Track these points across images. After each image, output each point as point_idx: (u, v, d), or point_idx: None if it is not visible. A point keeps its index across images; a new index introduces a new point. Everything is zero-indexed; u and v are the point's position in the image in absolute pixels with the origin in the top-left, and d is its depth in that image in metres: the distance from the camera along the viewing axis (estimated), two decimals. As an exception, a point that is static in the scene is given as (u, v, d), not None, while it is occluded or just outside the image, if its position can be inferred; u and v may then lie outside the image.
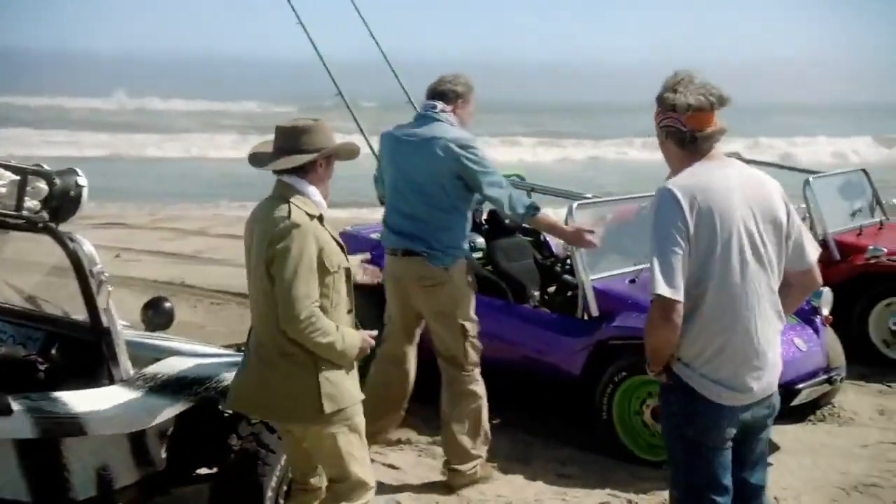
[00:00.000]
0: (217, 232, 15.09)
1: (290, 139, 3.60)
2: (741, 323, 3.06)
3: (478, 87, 5.29)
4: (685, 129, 3.07)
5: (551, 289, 6.61)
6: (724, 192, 3.04)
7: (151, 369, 3.82)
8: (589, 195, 6.41)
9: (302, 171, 3.58)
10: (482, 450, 5.12)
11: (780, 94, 69.86)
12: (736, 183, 3.09)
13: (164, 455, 3.94)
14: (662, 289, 2.96)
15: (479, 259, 6.91)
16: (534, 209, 5.12)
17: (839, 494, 5.20)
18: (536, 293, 6.54)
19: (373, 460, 4.25)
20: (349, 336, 3.56)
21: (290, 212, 3.45)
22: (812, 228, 7.62)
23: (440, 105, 5.13)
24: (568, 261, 6.24)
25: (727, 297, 3.04)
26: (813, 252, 3.24)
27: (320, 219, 3.56)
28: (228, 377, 3.76)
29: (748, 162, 9.38)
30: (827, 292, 6.04)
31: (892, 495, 5.20)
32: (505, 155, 28.85)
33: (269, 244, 3.45)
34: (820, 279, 3.36)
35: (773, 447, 5.81)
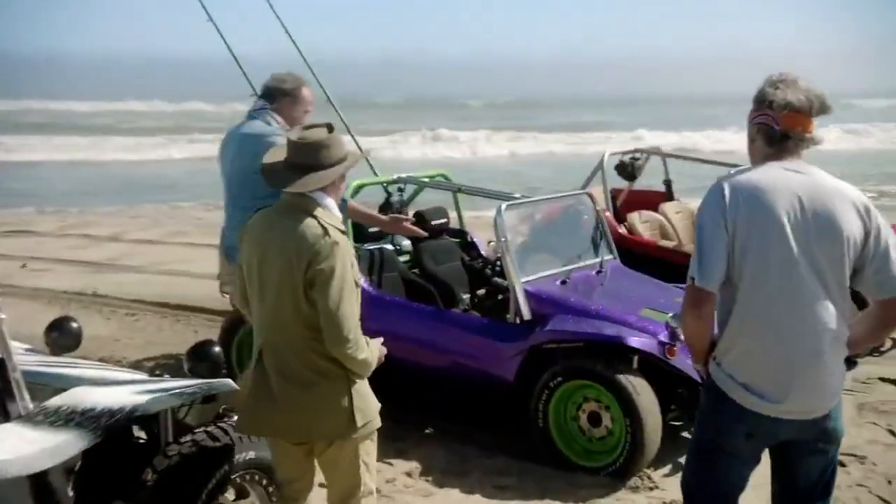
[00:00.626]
0: (132, 237, 14.33)
1: (308, 154, 3.41)
2: (775, 331, 2.91)
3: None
4: (778, 127, 2.93)
5: (481, 291, 6.29)
6: (777, 194, 2.89)
7: (54, 402, 3.37)
8: (517, 195, 6.14)
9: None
10: None
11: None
12: (796, 189, 2.90)
13: (70, 493, 3.55)
14: (694, 274, 2.92)
15: (405, 262, 6.64)
16: (344, 201, 4.72)
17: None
18: (466, 296, 6.27)
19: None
20: (374, 348, 3.50)
21: (325, 229, 3.31)
22: None
23: (260, 103, 5.09)
24: (498, 263, 5.96)
25: (760, 301, 2.91)
26: None
27: (343, 233, 3.43)
28: (141, 405, 3.38)
29: (668, 156, 9.47)
30: None
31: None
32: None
33: (310, 264, 3.26)
34: None
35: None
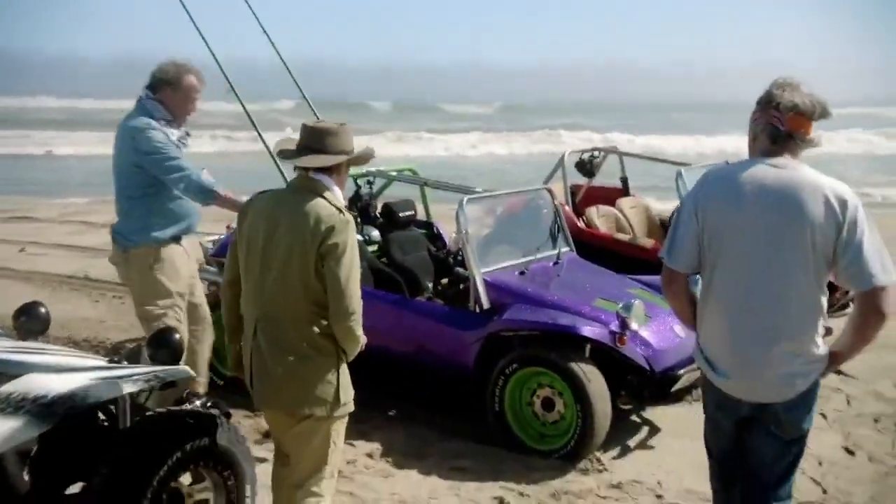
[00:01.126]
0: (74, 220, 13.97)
1: (317, 139, 3.39)
2: (728, 313, 2.91)
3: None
4: (783, 127, 2.85)
5: (445, 280, 6.04)
6: (747, 188, 2.85)
7: (5, 389, 3.08)
8: (479, 189, 5.88)
9: (328, 170, 3.38)
10: None
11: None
12: (770, 182, 2.83)
13: (26, 477, 3.28)
14: (664, 255, 3.04)
15: (373, 252, 6.37)
16: (210, 191, 4.66)
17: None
18: (430, 284, 6.03)
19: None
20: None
21: (339, 209, 3.29)
22: None
23: (144, 93, 4.72)
24: (460, 253, 5.70)
25: (721, 285, 2.92)
26: (874, 275, 2.74)
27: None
28: (94, 393, 3.10)
29: (623, 154, 9.24)
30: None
31: None
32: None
33: (324, 239, 3.20)
34: (884, 307, 2.77)
35: (655, 430, 5.41)
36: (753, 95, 3.00)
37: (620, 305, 4.91)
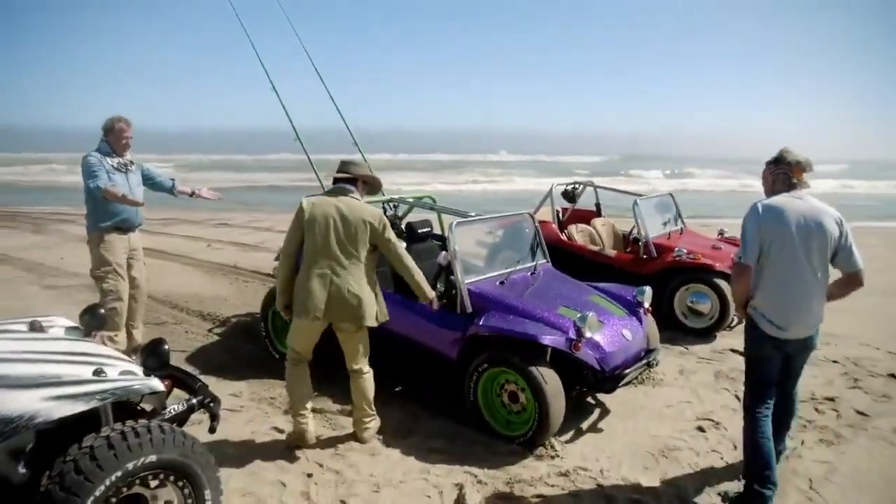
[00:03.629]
0: (279, 229, 12.56)
1: (345, 165, 3.58)
2: (783, 289, 2.93)
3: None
4: (791, 176, 3.02)
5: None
6: (787, 209, 2.93)
7: None
8: (473, 214, 4.62)
9: (353, 182, 3.55)
10: None
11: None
12: (798, 206, 2.94)
13: (22, 471, 2.25)
14: (740, 255, 2.95)
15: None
16: (99, 188, 4.34)
17: (649, 460, 3.56)
18: (442, 287, 4.80)
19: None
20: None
21: (376, 209, 3.50)
22: (639, 234, 6.40)
23: (101, 136, 4.58)
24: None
25: (775, 272, 2.93)
26: (856, 262, 2.95)
27: None
28: (43, 412, 2.08)
29: (597, 187, 7.85)
30: (648, 290, 4.39)
31: (687, 457, 3.59)
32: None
33: (374, 227, 3.42)
34: (862, 280, 2.98)
35: (605, 412, 4.10)
36: None
37: (578, 316, 3.65)
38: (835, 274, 2.99)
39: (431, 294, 3.59)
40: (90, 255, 4.57)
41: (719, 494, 3.16)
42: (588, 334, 3.63)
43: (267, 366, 4.73)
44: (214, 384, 4.43)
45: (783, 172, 3.00)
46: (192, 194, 4.95)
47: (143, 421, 2.30)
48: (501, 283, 4.20)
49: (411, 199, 5.18)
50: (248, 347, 5.17)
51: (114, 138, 4.55)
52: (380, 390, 4.27)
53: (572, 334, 3.62)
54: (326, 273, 3.32)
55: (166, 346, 2.70)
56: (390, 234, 3.42)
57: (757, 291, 2.97)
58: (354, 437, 3.63)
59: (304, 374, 3.55)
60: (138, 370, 2.64)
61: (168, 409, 2.72)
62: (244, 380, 4.50)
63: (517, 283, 4.26)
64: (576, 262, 6.56)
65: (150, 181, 4.85)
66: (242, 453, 3.44)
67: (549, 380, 3.46)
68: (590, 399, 4.23)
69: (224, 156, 40.79)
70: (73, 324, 3.17)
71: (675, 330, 5.76)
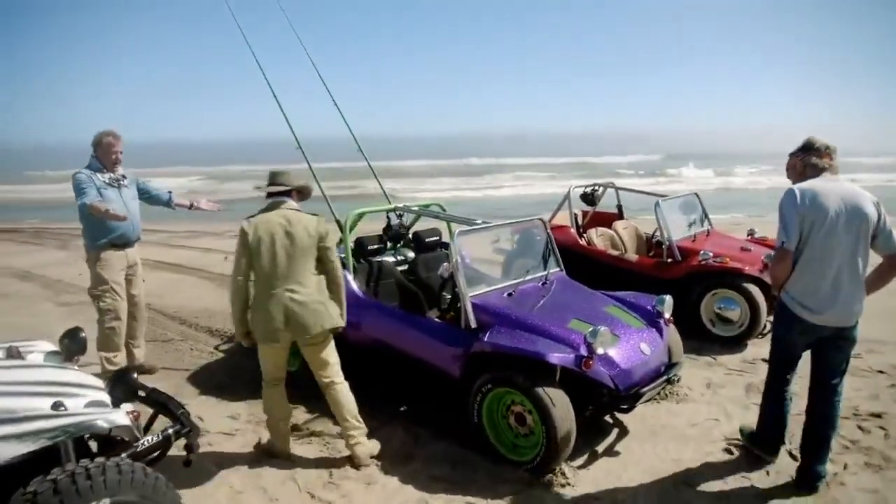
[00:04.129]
0: None
1: (276, 177, 3.49)
2: (820, 273, 2.88)
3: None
4: (820, 161, 2.99)
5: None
6: (825, 192, 2.87)
7: None
8: (479, 221, 4.36)
9: (288, 194, 3.47)
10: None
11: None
12: (835, 189, 2.89)
13: None
14: (783, 239, 2.90)
15: (403, 271, 4.97)
16: (84, 205, 4.26)
17: (669, 489, 3.22)
18: (448, 296, 4.57)
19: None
20: None
21: (317, 216, 3.43)
22: (662, 237, 6.06)
23: (91, 151, 4.50)
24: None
25: (813, 256, 2.89)
26: None
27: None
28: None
29: (618, 188, 7.53)
30: (668, 299, 4.06)
31: (713, 485, 3.24)
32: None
33: (319, 236, 3.35)
34: None
35: (623, 432, 3.79)
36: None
37: (589, 331, 3.36)
38: (871, 264, 2.94)
39: (342, 323, 3.41)
40: (89, 273, 4.48)
41: (740, 430, 3.59)
42: (600, 350, 3.34)
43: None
44: (214, 405, 4.28)
45: (813, 157, 3.00)
46: (190, 206, 4.83)
47: (99, 459, 2.12)
48: (509, 295, 3.93)
49: (416, 208, 4.96)
50: (252, 365, 4.97)
51: (102, 153, 4.45)
52: (382, 410, 4.08)
53: (583, 351, 3.34)
54: (282, 292, 3.23)
55: (134, 375, 2.52)
56: (331, 243, 3.39)
57: (793, 275, 2.95)
58: (351, 461, 3.41)
59: (279, 397, 3.50)
60: (107, 400, 2.47)
61: (142, 441, 2.55)
62: (244, 400, 4.33)
63: (526, 295, 3.99)
64: (596, 268, 6.26)
65: (145, 195, 4.75)
66: (232, 481, 3.25)
67: (558, 401, 3.18)
68: (607, 417, 3.93)
69: (248, 166, 41.20)
70: (55, 348, 3.04)
71: (702, 339, 5.41)
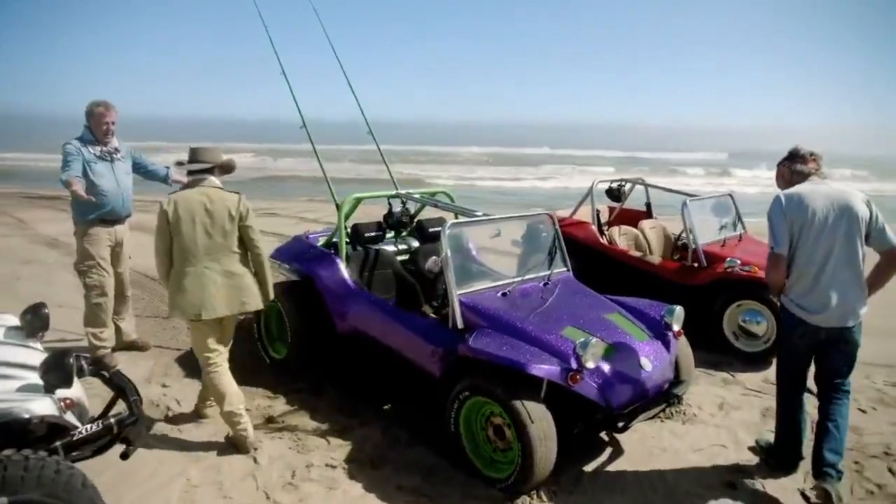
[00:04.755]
0: (312, 217, 12.58)
1: (196, 154, 3.47)
2: (815, 276, 2.91)
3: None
4: (806, 168, 3.09)
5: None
6: (811, 195, 2.94)
7: None
8: (480, 213, 4.07)
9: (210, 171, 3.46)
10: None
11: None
12: (822, 191, 2.95)
13: None
14: (772, 245, 2.97)
15: (404, 261, 4.74)
16: (62, 181, 4.13)
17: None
18: (442, 291, 4.33)
19: None
20: None
21: (238, 194, 3.42)
22: (687, 240, 5.64)
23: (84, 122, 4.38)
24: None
25: (806, 259, 2.93)
26: (891, 239, 2.91)
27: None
28: None
29: (647, 185, 7.09)
30: (679, 309, 3.70)
31: None
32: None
33: (239, 214, 3.35)
34: None
35: (617, 452, 3.48)
36: None
37: (579, 342, 3.05)
38: (869, 263, 2.93)
39: (271, 296, 3.54)
40: (76, 247, 4.41)
41: (749, 448, 3.45)
42: (590, 364, 3.04)
43: (256, 371, 4.42)
44: (196, 388, 4.16)
45: (798, 164, 3.09)
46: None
47: (7, 452, 1.97)
48: (503, 294, 3.65)
49: (418, 195, 4.69)
50: (244, 348, 4.88)
51: (94, 124, 4.30)
52: (365, 407, 3.88)
53: (572, 363, 3.04)
54: (202, 269, 3.28)
55: (70, 360, 2.36)
56: (253, 221, 3.40)
57: (789, 278, 3.00)
58: (326, 463, 3.24)
59: (223, 377, 3.38)
60: (39, 386, 2.33)
61: (79, 430, 2.40)
62: (226, 386, 4.19)
63: (523, 296, 3.69)
64: (615, 269, 5.91)
65: (142, 170, 4.64)
66: (191, 473, 3.11)
67: (537, 417, 2.90)
68: (602, 434, 3.63)
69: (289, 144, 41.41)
70: (18, 323, 2.93)
71: (722, 352, 5.00)
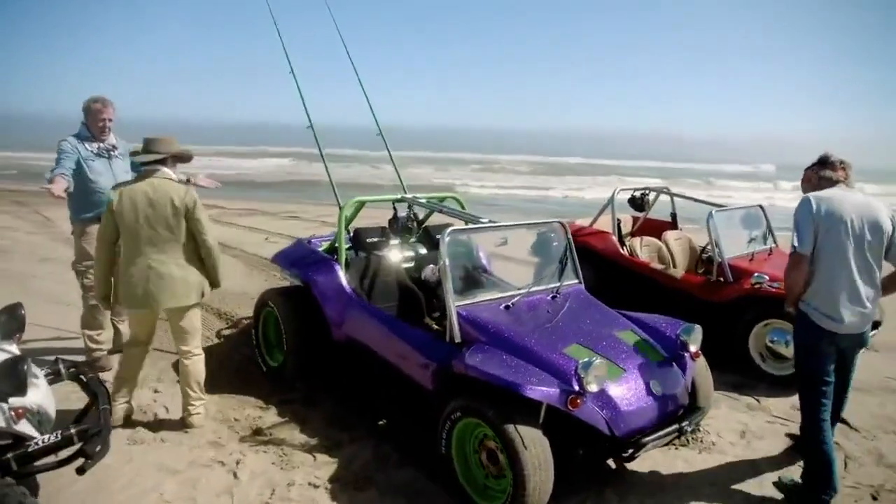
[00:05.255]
0: (330, 220, 12.35)
1: (149, 144, 3.46)
2: (837, 283, 2.86)
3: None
4: (835, 175, 3.03)
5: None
6: (840, 201, 2.89)
7: None
8: (485, 220, 3.84)
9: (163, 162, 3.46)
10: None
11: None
12: (850, 199, 2.91)
13: None
14: (795, 244, 2.90)
15: (409, 268, 4.54)
16: (48, 179, 3.96)
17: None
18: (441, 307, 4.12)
19: None
20: None
21: (186, 185, 3.47)
22: (713, 253, 5.31)
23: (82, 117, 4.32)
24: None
25: (832, 263, 2.87)
26: None
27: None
28: None
29: (672, 195, 6.77)
30: (697, 329, 3.39)
31: None
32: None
33: (185, 206, 3.33)
34: None
35: (621, 482, 3.22)
36: None
37: (581, 363, 2.79)
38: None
39: (219, 283, 3.57)
40: (74, 246, 4.33)
41: (774, 483, 3.20)
42: (593, 387, 2.78)
43: (250, 379, 4.27)
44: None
45: (828, 171, 3.05)
46: (187, 181, 4.60)
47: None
48: (507, 307, 3.42)
49: (424, 199, 4.49)
50: (243, 354, 4.76)
51: (91, 120, 4.25)
52: (357, 422, 3.68)
53: (574, 384, 2.79)
54: (143, 261, 3.34)
55: (24, 367, 2.22)
56: (200, 213, 3.38)
57: (810, 285, 2.95)
58: (309, 482, 3.03)
59: (136, 359, 3.59)
60: None
61: (34, 441, 2.26)
62: (218, 394, 4.05)
63: (527, 310, 3.45)
64: (635, 282, 5.62)
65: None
66: (165, 488, 2.95)
67: (531, 444, 2.65)
68: (608, 461, 3.35)
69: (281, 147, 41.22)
70: None
71: (747, 375, 4.66)
